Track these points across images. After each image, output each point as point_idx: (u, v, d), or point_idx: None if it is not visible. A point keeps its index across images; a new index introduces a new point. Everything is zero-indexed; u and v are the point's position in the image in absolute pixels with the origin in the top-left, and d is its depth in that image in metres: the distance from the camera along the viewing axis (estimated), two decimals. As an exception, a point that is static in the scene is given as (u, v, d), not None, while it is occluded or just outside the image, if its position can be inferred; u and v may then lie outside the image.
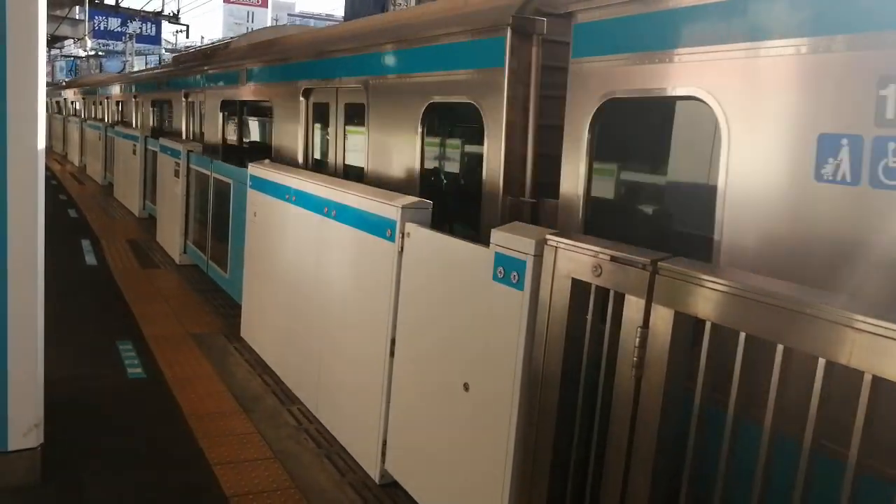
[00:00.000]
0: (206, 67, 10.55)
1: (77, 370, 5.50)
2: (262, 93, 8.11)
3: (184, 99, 11.98)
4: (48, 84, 37.58)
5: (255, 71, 8.35)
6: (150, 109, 15.43)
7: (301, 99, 6.81)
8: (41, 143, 3.72)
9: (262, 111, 8.64)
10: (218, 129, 9.74)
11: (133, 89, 17.57)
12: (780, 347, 2.06)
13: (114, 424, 4.66)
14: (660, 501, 2.43)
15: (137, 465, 4.15)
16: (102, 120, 20.79)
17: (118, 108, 19.89)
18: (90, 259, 9.59)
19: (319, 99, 6.72)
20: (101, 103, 22.78)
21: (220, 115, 9.60)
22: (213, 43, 12.81)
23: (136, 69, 30.50)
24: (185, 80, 11.89)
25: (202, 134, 10.82)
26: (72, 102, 28.43)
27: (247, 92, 8.59)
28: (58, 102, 31.85)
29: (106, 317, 7.01)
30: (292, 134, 7.07)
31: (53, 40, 30.23)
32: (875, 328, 1.83)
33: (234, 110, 9.31)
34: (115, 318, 6.93)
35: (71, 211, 13.50)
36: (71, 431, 4.38)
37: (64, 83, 35.83)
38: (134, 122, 16.88)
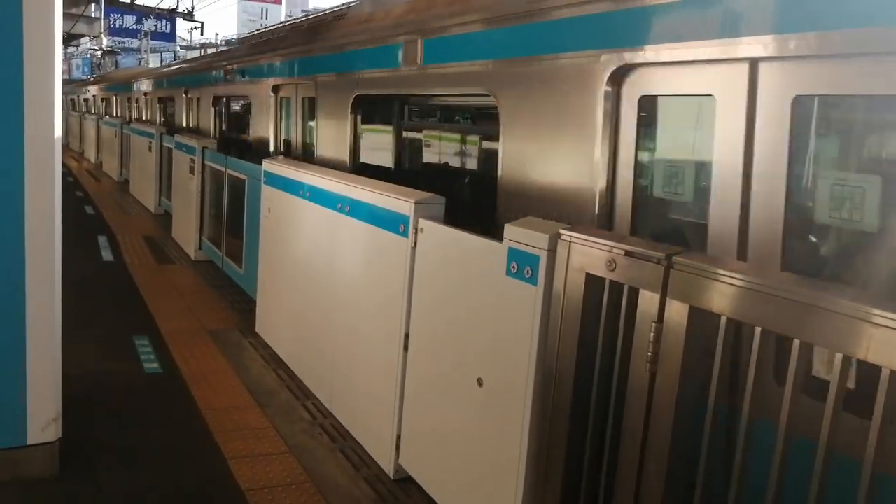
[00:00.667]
0: (317, 46, 6.81)
1: (94, 365, 5.54)
2: (465, 80, 4.56)
3: (272, 95, 8.08)
4: (69, 81, 37.28)
5: (448, 42, 4.71)
6: (212, 111, 11.30)
7: (605, 88, 3.46)
8: (58, 140, 3.75)
9: (451, 113, 5.60)
10: (346, 144, 6.05)
11: (184, 83, 13.37)
12: (796, 342, 2.04)
13: (130, 419, 4.70)
14: (674, 496, 2.42)
15: (154, 459, 4.19)
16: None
17: (161, 109, 15.93)
18: (107, 255, 9.67)
19: (669, 87, 3.34)
20: (135, 101, 18.89)
21: (352, 119, 5.80)
22: (309, 14, 11.01)
23: (150, 66, 30.15)
24: (275, 67, 8.01)
25: (313, 149, 7.05)
26: (102, 100, 24.71)
27: (420, 81, 5.03)
28: (86, 101, 27.93)
29: (122, 312, 7.07)
30: (571, 162, 3.72)
31: (70, 38, 30.48)
32: (894, 322, 1.81)
33: (385, 113, 5.88)
34: (131, 314, 6.99)
35: (87, 207, 13.61)
36: (88, 426, 4.43)
37: (91, 79, 32.26)
38: (186, 127, 13.30)
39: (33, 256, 3.71)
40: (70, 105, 31.11)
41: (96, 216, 12.73)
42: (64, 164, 20.41)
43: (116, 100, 21.96)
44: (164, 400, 5.03)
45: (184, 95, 13.12)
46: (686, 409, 2.38)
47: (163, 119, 15.98)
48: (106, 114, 23.24)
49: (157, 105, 16.22)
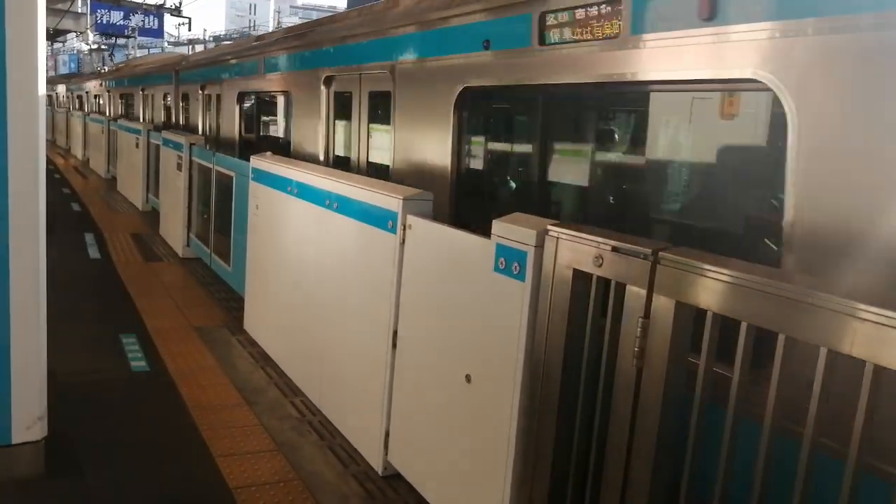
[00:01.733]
0: None
1: (81, 363, 5.51)
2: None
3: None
4: (73, 75, 35.47)
5: None
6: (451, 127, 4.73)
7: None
8: (42, 136, 3.71)
9: None
10: None
11: (306, 62, 7.17)
12: (781, 337, 2.05)
13: (117, 417, 4.67)
14: (661, 491, 2.42)
15: (141, 458, 4.16)
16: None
17: (243, 114, 9.38)
18: (93, 252, 9.60)
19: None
20: (179, 100, 12.47)
21: None
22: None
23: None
24: None
25: None
26: (122, 97, 18.97)
27: None
28: (97, 98, 22.39)
29: (109, 310, 7.03)
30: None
31: (56, 34, 30.19)
32: (878, 317, 1.82)
33: None
34: (118, 311, 6.94)
35: (74, 204, 13.52)
36: (74, 424, 4.39)
37: (103, 69, 26.66)
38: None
39: (17, 253, 3.68)
40: (76, 103, 26.09)
41: (83, 213, 12.65)
42: (51, 161, 20.14)
43: (145, 97, 16.10)
44: (151, 398, 5.01)
45: (324, 90, 6.59)
46: (672, 403, 2.39)
47: (247, 133, 9.18)
48: (125, 116, 16.49)
49: (236, 108, 9.37)
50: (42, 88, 3.68)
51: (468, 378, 3.33)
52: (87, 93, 24.09)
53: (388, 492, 3.94)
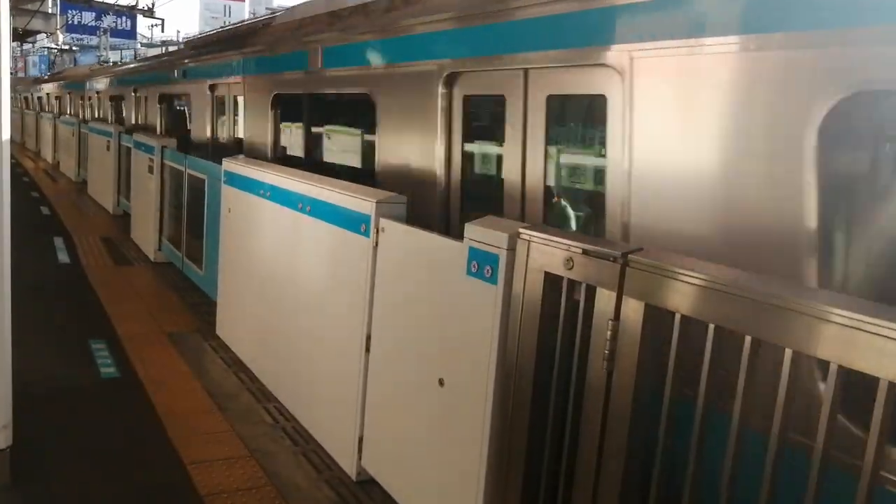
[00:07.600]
0: None
1: (49, 370, 5.41)
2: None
3: None
4: (112, 68, 33.60)
5: None
6: None
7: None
8: (6, 136, 3.64)
9: None
10: None
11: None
12: (747, 339, 2.06)
13: (86, 425, 4.58)
14: (632, 491, 2.43)
15: (110, 466, 4.09)
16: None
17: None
18: (63, 257, 9.44)
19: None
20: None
21: None
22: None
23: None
24: None
25: None
26: (183, 98, 11.54)
27: None
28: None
29: (78, 315, 6.91)
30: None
31: (25, 34, 29.58)
32: (843, 319, 1.84)
33: None
34: (87, 317, 6.83)
35: (43, 208, 13.29)
36: (41, 433, 4.31)
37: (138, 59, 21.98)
38: None
39: (-19, 259, 3.60)
40: (97, 106, 19.33)
41: (52, 217, 12.44)
42: (19, 164, 19.64)
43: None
44: (121, 405, 4.93)
45: None
46: (642, 405, 2.40)
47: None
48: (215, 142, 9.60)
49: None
50: (6, 88, 3.61)
51: (441, 382, 3.32)
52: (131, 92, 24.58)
53: (362, 497, 3.91)
